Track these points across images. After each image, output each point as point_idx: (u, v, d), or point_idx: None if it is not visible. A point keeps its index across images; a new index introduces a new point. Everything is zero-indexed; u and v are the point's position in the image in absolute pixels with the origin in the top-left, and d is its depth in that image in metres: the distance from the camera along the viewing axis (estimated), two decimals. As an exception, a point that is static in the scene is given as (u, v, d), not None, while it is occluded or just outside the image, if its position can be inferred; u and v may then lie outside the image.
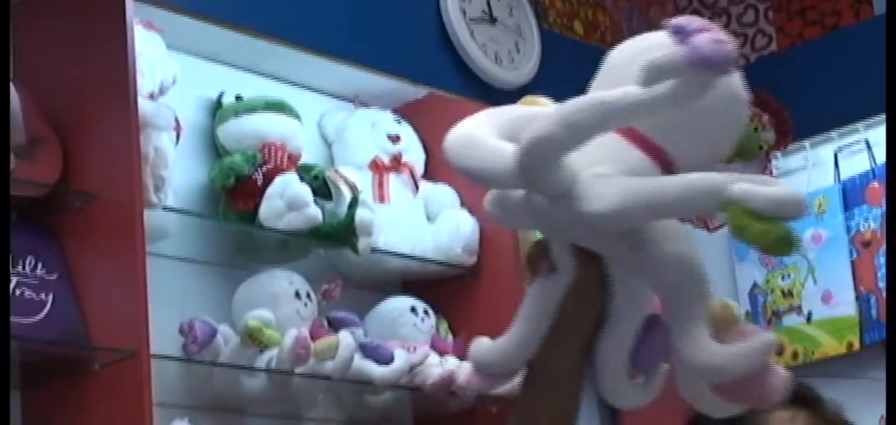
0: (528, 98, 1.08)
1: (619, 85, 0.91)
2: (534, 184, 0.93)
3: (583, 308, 0.99)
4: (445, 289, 2.73)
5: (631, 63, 0.93)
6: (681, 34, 0.87)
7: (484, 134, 0.97)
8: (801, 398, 1.51)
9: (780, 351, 3.21)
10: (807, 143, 3.30)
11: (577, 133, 0.90)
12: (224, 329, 2.33)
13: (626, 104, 0.90)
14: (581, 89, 1.00)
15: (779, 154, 3.20)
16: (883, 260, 3.17)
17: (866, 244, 3.24)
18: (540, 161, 0.90)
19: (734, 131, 0.98)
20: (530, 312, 1.01)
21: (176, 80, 2.28)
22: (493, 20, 3.09)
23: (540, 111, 1.01)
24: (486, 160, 0.95)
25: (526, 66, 3.09)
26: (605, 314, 0.99)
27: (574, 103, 0.90)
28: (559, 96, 1.02)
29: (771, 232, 0.85)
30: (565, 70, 2.99)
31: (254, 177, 2.41)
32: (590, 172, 0.92)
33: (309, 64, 2.66)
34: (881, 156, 3.19)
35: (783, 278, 3.34)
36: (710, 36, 0.87)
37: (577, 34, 3.38)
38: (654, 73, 0.88)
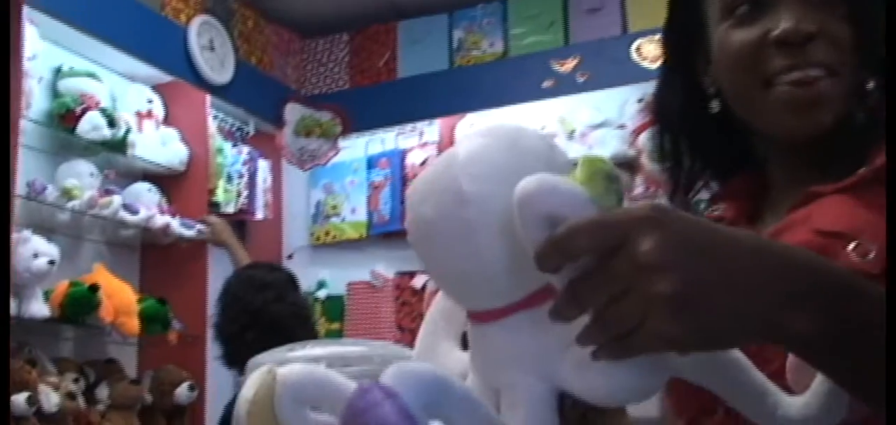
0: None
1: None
2: None
3: None
4: (171, 181, 4.33)
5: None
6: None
7: None
8: None
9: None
10: (354, 135, 5.00)
11: None
12: (50, 186, 3.71)
13: None
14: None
15: (341, 139, 4.99)
16: (387, 195, 4.80)
17: (377, 187, 4.92)
18: None
19: None
20: None
21: (35, 54, 3.55)
22: (212, 49, 4.58)
23: None
24: None
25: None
26: None
27: None
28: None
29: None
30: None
31: (75, 110, 3.72)
32: None
33: (108, 53, 4.01)
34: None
35: (333, 199, 5.04)
36: None
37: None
38: None
